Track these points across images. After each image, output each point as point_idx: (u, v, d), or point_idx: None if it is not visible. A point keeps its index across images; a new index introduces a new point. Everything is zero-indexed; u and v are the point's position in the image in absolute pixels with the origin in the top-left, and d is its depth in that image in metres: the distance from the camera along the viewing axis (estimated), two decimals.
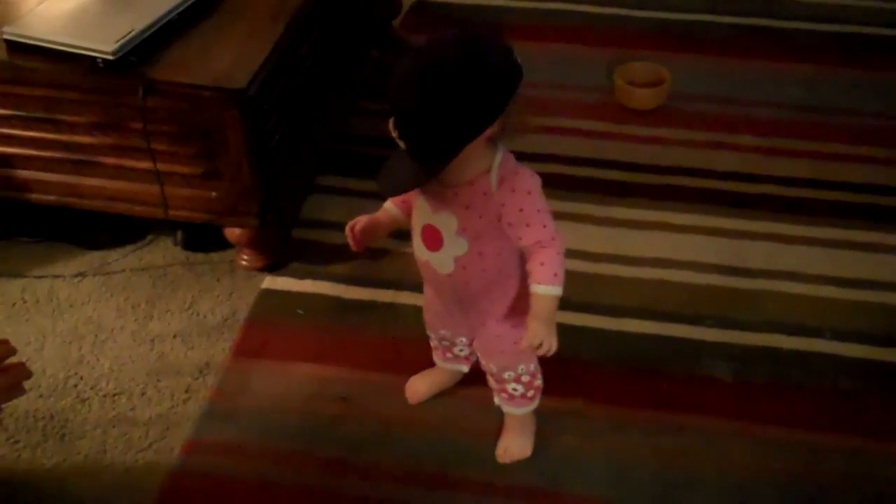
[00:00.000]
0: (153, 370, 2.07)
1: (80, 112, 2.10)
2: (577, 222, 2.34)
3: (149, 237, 2.39)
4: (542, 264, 1.55)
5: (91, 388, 2.03)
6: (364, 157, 2.53)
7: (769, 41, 3.00)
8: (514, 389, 1.81)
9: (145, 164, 2.14)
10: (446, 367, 1.97)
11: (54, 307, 2.22)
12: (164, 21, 2.11)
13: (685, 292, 2.20)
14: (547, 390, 1.85)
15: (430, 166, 1.45)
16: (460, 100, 1.38)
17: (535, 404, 1.86)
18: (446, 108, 1.38)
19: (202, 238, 2.34)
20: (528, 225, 1.53)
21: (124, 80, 2.01)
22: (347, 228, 1.68)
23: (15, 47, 2.09)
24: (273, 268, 2.28)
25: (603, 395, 1.98)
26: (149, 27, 2.07)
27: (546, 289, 1.56)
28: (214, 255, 2.34)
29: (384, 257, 2.30)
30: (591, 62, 2.87)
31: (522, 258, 1.61)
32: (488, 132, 1.44)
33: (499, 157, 1.52)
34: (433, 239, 1.60)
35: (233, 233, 2.21)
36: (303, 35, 2.26)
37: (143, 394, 2.02)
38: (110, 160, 2.17)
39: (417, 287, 1.97)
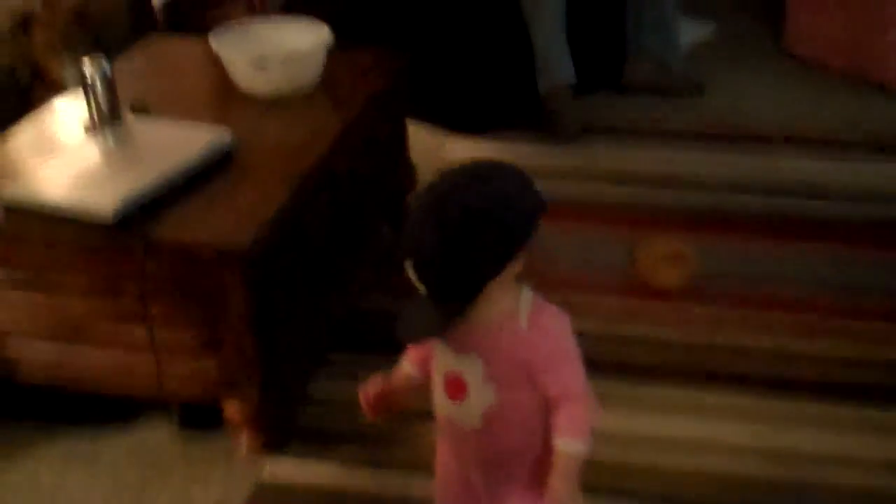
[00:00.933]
0: None
1: (74, 275, 2.00)
2: (605, 405, 2.15)
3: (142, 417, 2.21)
4: (569, 417, 1.42)
5: None
6: (376, 335, 2.37)
7: (795, 221, 2.89)
8: None
9: (141, 335, 2.00)
10: None
11: (35, 495, 2.04)
12: (169, 183, 2.01)
13: (723, 482, 2.01)
14: None
15: (454, 309, 1.35)
16: (481, 235, 1.31)
17: None
18: (466, 244, 1.30)
19: (201, 415, 2.16)
20: (557, 373, 1.41)
21: (123, 240, 1.91)
22: (361, 394, 1.55)
23: (13, 208, 2.00)
24: (273, 449, 2.09)
25: None
26: (152, 189, 1.98)
27: (572, 444, 1.41)
28: (212, 438, 2.14)
29: (393, 443, 2.12)
30: (611, 241, 2.76)
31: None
32: (510, 270, 1.36)
33: (526, 294, 1.42)
34: (456, 388, 1.45)
35: (232, 409, 2.04)
36: (312, 200, 2.18)
37: None
38: (105, 332, 2.03)
39: (431, 475, 1.79)
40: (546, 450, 1.45)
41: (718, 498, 1.96)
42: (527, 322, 1.40)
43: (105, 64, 2.24)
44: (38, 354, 2.09)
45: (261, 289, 1.95)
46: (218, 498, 1.99)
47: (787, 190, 3.04)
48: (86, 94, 2.24)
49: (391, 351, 1.37)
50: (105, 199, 1.94)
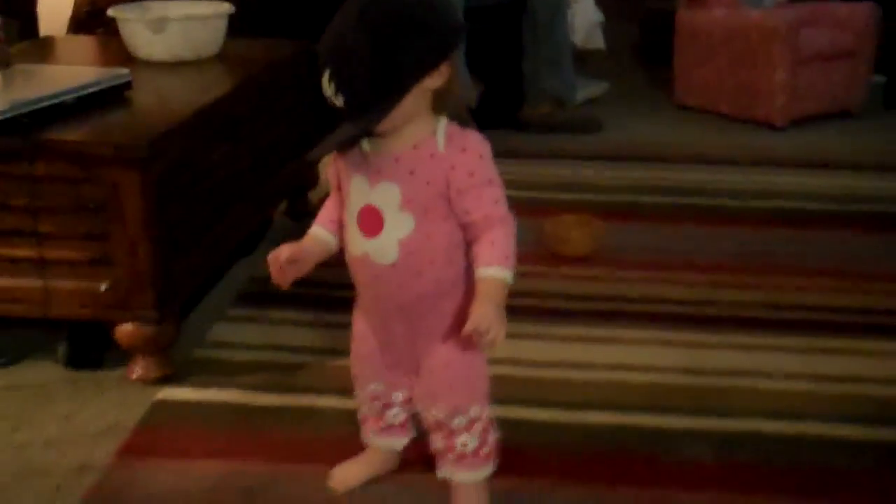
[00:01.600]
0: (18, 473, 1.68)
1: None
2: (517, 339, 2.09)
3: (23, 356, 2.05)
4: (491, 244, 1.35)
5: None
6: (278, 296, 2.27)
7: (698, 213, 2.96)
8: (465, 444, 1.50)
9: (28, 252, 1.88)
10: (379, 444, 1.65)
11: None
12: (62, 98, 1.94)
13: (646, 389, 1.96)
14: (504, 470, 1.55)
15: (370, 117, 1.29)
16: (402, 34, 1.27)
17: (489, 468, 1.54)
18: (388, 41, 1.26)
19: (89, 354, 2.02)
20: (478, 196, 1.35)
21: (10, 143, 1.81)
22: (270, 257, 1.46)
23: None
24: (169, 380, 1.95)
25: (571, 476, 1.67)
26: (45, 98, 1.90)
27: (496, 271, 1.34)
28: (102, 374, 2.00)
29: (300, 369, 2.01)
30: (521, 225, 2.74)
31: (470, 267, 1.39)
32: (431, 81, 1.31)
33: (444, 120, 1.37)
34: (372, 221, 1.38)
35: (124, 333, 1.91)
36: (209, 136, 2.13)
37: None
38: None
39: (341, 391, 1.80)
40: (468, 299, 1.37)
41: (647, 401, 1.90)
42: (445, 144, 1.35)
43: None
44: None
45: (157, 197, 1.86)
46: (110, 423, 1.83)
47: (677, 191, 3.16)
48: None
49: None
50: None
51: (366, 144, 1.37)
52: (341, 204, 1.45)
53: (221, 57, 2.50)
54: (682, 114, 4.17)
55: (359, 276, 1.44)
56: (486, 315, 1.30)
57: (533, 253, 2.56)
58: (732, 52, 3.99)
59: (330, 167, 1.45)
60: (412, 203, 1.36)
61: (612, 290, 2.39)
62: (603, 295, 2.36)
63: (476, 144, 1.36)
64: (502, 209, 1.36)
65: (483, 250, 1.35)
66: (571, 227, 2.61)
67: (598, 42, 4.34)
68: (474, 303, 1.32)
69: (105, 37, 2.98)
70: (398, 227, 1.37)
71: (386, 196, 1.36)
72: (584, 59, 4.33)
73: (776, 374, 2.00)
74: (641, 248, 2.66)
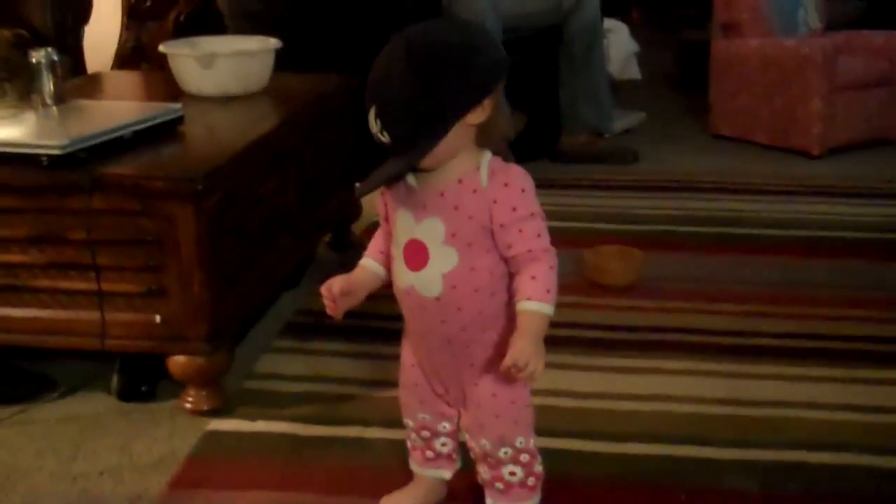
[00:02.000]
0: (73, 503, 1.73)
1: (15, 224, 1.93)
2: (558, 370, 2.12)
3: (77, 388, 2.10)
4: (532, 279, 1.38)
5: None
6: (325, 327, 2.31)
7: (737, 243, 2.98)
8: (512, 474, 1.53)
9: (84, 285, 1.94)
10: (426, 475, 1.67)
11: None
12: (118, 133, 2.00)
13: (688, 420, 1.97)
14: (549, 501, 1.58)
15: (414, 153, 1.33)
16: (446, 71, 1.30)
17: (535, 500, 1.57)
18: (431, 78, 1.30)
19: (140, 386, 2.06)
20: (520, 230, 1.38)
21: (70, 177, 1.87)
22: (324, 289, 1.50)
23: None
24: (220, 412, 1.99)
25: None
26: (102, 133, 1.97)
27: (537, 305, 1.37)
28: (154, 405, 2.04)
29: (347, 400, 2.05)
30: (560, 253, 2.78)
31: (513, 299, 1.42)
32: (474, 117, 1.35)
33: (488, 155, 1.41)
34: (417, 255, 1.42)
35: (177, 364, 1.95)
36: (259, 169, 2.18)
37: None
38: (45, 282, 1.96)
39: (388, 422, 1.83)
40: (512, 330, 1.40)
41: (690, 431, 1.91)
42: (488, 179, 1.39)
43: (52, 51, 2.26)
44: None
45: (211, 229, 1.91)
46: (162, 454, 1.87)
47: (715, 220, 3.19)
48: (35, 79, 2.24)
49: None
50: (55, 139, 1.91)
51: (411, 179, 1.40)
52: (389, 236, 1.49)
53: (269, 91, 2.56)
54: (719, 143, 4.19)
55: (405, 307, 1.48)
56: (523, 349, 1.33)
57: (573, 283, 2.58)
58: (768, 81, 4.01)
59: (379, 200, 1.49)
60: (456, 238, 1.39)
61: (653, 321, 2.41)
62: (643, 325, 2.38)
63: (518, 179, 1.39)
64: (544, 243, 1.39)
65: (524, 284, 1.38)
66: (611, 258, 2.64)
67: (634, 72, 4.38)
68: (513, 337, 1.35)
69: (150, 72, 3.05)
70: (442, 261, 1.40)
71: (431, 231, 1.40)
72: (620, 90, 4.37)
73: (819, 406, 2.00)
74: (681, 279, 2.68)
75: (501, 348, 1.42)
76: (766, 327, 2.37)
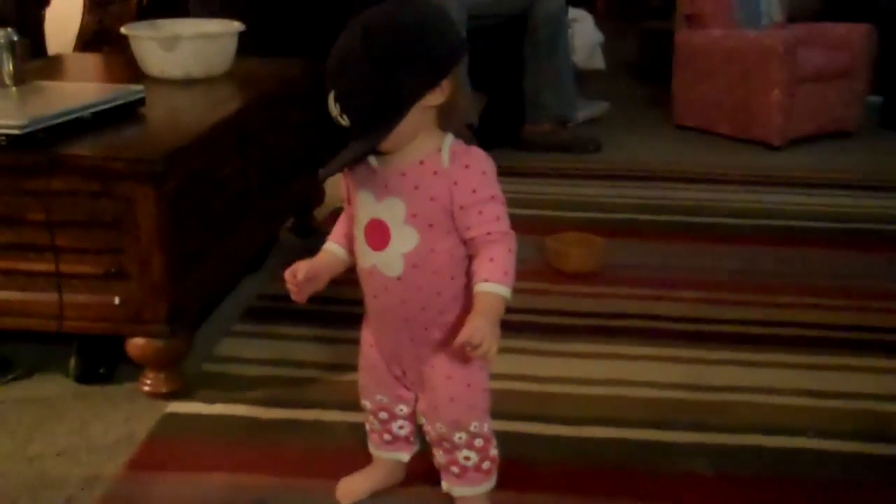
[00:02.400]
0: (30, 485, 1.71)
1: None
2: (519, 354, 2.13)
3: (35, 370, 2.08)
4: (491, 261, 1.39)
5: None
6: (286, 311, 2.31)
7: (698, 231, 3.01)
8: (467, 458, 1.54)
9: (42, 266, 1.92)
10: (384, 457, 1.68)
11: None
12: (78, 114, 1.98)
13: (647, 404, 1.99)
14: (505, 484, 1.60)
15: (375, 135, 1.34)
16: (404, 51, 1.31)
17: (490, 483, 1.58)
18: (390, 59, 1.30)
19: (98, 368, 2.05)
20: (480, 212, 1.39)
21: (28, 157, 1.85)
22: (287, 274, 1.50)
23: None
24: (179, 394, 1.98)
25: (572, 490, 1.70)
26: (62, 113, 1.95)
27: (494, 287, 1.38)
28: (112, 388, 2.03)
29: (307, 383, 2.05)
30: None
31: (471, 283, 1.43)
32: (433, 98, 1.36)
33: (449, 137, 1.41)
34: (378, 234, 1.43)
35: (136, 346, 1.94)
36: (222, 151, 2.17)
37: None
38: (2, 264, 1.94)
39: (347, 406, 1.84)
40: (468, 313, 1.40)
41: (647, 416, 1.93)
42: (449, 160, 1.39)
43: (11, 32, 2.23)
44: None
45: (171, 211, 1.90)
46: (120, 436, 1.86)
47: (676, 209, 3.22)
48: None
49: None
50: (13, 119, 1.89)
51: (373, 160, 1.41)
52: (352, 219, 1.49)
53: (231, 75, 2.55)
54: (681, 133, 4.23)
55: (367, 287, 1.49)
56: (478, 328, 1.33)
57: (534, 270, 2.60)
58: (730, 72, 4.05)
59: (342, 182, 1.49)
60: (417, 218, 1.40)
61: (613, 307, 2.43)
62: (603, 311, 2.40)
63: (479, 161, 1.40)
64: (504, 226, 1.40)
65: (482, 266, 1.39)
66: (572, 245, 2.65)
67: (599, 62, 4.40)
68: (469, 316, 1.36)
69: (112, 55, 3.03)
70: (403, 240, 1.41)
71: (392, 210, 1.41)
72: (584, 79, 4.39)
73: (777, 391, 2.03)
74: (641, 266, 2.70)
75: (459, 331, 1.42)
76: (725, 314, 2.40)
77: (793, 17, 4.41)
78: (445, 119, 1.40)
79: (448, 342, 1.46)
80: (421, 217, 1.40)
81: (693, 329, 2.31)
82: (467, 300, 1.44)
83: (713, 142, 4.10)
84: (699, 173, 3.61)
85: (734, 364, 2.15)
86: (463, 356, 1.43)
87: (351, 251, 1.52)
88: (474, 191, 1.38)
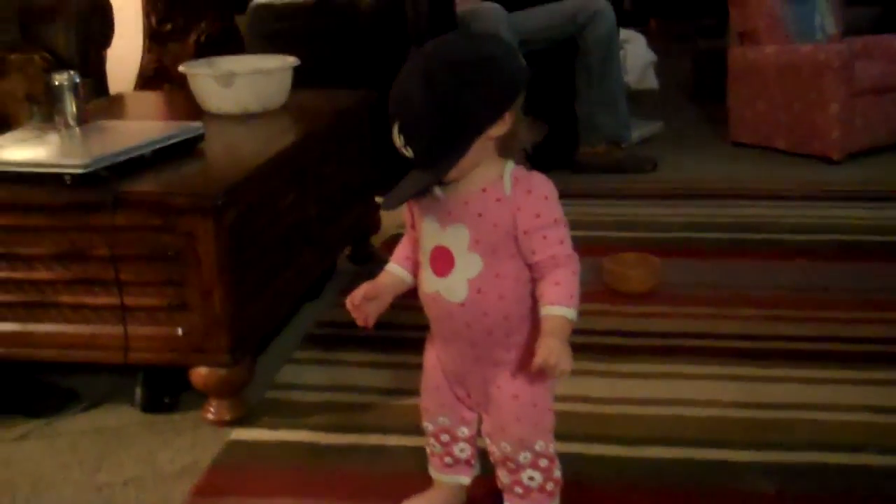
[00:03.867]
0: None
1: (39, 242, 1.97)
2: (578, 376, 2.12)
3: (101, 401, 2.14)
4: (556, 284, 1.41)
5: None
6: (345, 338, 2.35)
7: (756, 248, 2.99)
8: (531, 479, 1.54)
9: (108, 300, 1.98)
10: (445, 480, 1.69)
11: None
12: (140, 151, 2.04)
13: (707, 423, 1.98)
14: None
15: (438, 167, 1.37)
16: (467, 86, 1.33)
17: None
18: (453, 94, 1.32)
19: (164, 398, 2.10)
20: (544, 237, 1.41)
21: (92, 195, 1.91)
22: (348, 301, 1.52)
23: None
24: (242, 422, 2.02)
25: None
26: (124, 151, 2.01)
27: (561, 310, 1.40)
28: (177, 417, 2.08)
29: (367, 409, 2.07)
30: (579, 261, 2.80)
31: (537, 304, 1.45)
32: (495, 130, 1.37)
33: (511, 163, 1.43)
34: (443, 261, 1.45)
35: (199, 376, 1.99)
36: (279, 185, 2.22)
37: None
38: (69, 298, 2.00)
39: (407, 430, 1.87)
40: (534, 335, 1.43)
41: (707, 435, 1.92)
42: (511, 187, 1.41)
43: (74, 74, 2.31)
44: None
45: (231, 243, 1.94)
46: (185, 464, 1.90)
47: (734, 227, 3.19)
48: (58, 101, 2.29)
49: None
50: (77, 158, 1.95)
51: (437, 189, 1.43)
52: (415, 243, 1.51)
53: (288, 108, 2.60)
54: (737, 150, 4.20)
55: (431, 312, 1.51)
56: (552, 348, 1.35)
57: (592, 291, 2.60)
58: (786, 88, 4.02)
59: (405, 208, 1.51)
60: (481, 244, 1.42)
61: (672, 327, 2.42)
62: (662, 331, 2.40)
63: (541, 186, 1.42)
64: (568, 249, 1.42)
65: (548, 290, 1.41)
66: (630, 265, 2.65)
67: (651, 82, 4.40)
68: (540, 338, 1.38)
69: (171, 92, 3.11)
70: (468, 267, 1.43)
71: (456, 237, 1.43)
72: (637, 99, 4.39)
73: (837, 407, 2.01)
74: (699, 285, 2.69)
75: (525, 351, 1.46)
76: (784, 331, 2.37)
77: (847, 31, 4.36)
78: (506, 147, 1.42)
79: (514, 362, 1.49)
80: (485, 243, 1.42)
81: (752, 346, 2.29)
82: (534, 322, 1.46)
83: (770, 157, 4.06)
84: (757, 189, 3.58)
85: (794, 381, 2.13)
86: (530, 377, 1.45)
87: (412, 272, 1.55)
88: (538, 215, 1.40)
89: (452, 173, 1.38)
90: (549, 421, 1.53)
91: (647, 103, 4.59)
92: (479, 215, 1.41)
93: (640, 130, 4.23)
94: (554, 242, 1.41)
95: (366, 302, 1.52)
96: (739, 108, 4.24)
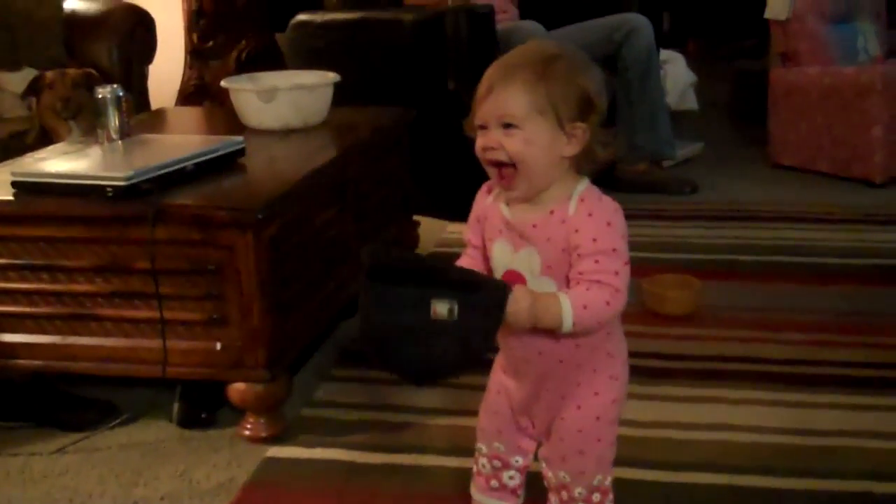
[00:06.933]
0: None
1: (80, 254, 1.98)
2: None
3: (139, 415, 2.13)
4: (583, 294, 1.32)
5: None
6: None
7: (798, 272, 2.95)
8: None
9: (147, 313, 1.98)
10: (485, 503, 1.65)
11: (26, 478, 1.93)
12: (181, 165, 2.04)
13: (750, 449, 1.94)
14: None
15: None
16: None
17: None
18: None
19: (201, 413, 2.09)
20: (597, 261, 1.32)
21: (133, 208, 1.91)
22: None
23: (22, 188, 2.01)
24: (279, 439, 2.01)
25: None
26: (165, 165, 2.01)
27: (566, 308, 1.30)
28: (214, 432, 2.07)
29: (405, 428, 2.05)
30: None
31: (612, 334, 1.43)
32: (568, 150, 1.34)
33: (583, 183, 1.37)
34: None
35: (236, 391, 1.98)
36: (320, 199, 2.22)
37: None
38: (109, 311, 2.00)
39: (446, 450, 1.87)
40: (608, 365, 1.42)
41: (751, 462, 1.89)
42: (575, 207, 1.35)
43: (117, 88, 2.32)
44: (39, 339, 2.03)
45: (270, 258, 1.94)
46: (221, 480, 1.89)
47: (775, 249, 3.15)
48: (101, 114, 2.31)
49: None
50: (118, 171, 1.96)
51: (506, 211, 1.39)
52: (474, 262, 1.46)
53: (328, 124, 2.60)
54: (778, 173, 4.15)
55: (501, 337, 1.44)
56: (522, 294, 1.29)
57: (630, 312, 2.50)
58: (828, 110, 3.97)
59: (471, 228, 1.47)
60: (552, 269, 1.36)
61: (712, 350, 2.38)
62: (702, 354, 2.36)
63: (605, 212, 1.34)
64: (618, 282, 1.33)
65: (573, 290, 1.32)
66: (669, 287, 2.62)
67: (691, 103, 4.36)
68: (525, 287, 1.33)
69: (213, 108, 3.12)
70: (540, 290, 1.36)
71: (528, 262, 1.38)
72: (677, 121, 4.34)
73: (886, 435, 1.97)
74: (741, 308, 2.65)
75: (595, 384, 1.43)
76: (829, 356, 2.33)
77: (892, 53, 4.31)
78: (581, 165, 1.37)
79: (582, 395, 1.44)
80: (556, 268, 1.36)
81: (795, 371, 2.25)
82: (608, 353, 1.43)
83: (812, 180, 4.01)
84: (798, 212, 3.53)
85: (839, 407, 2.08)
86: (596, 410, 1.43)
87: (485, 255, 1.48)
88: (595, 240, 1.32)
89: (523, 192, 1.34)
90: (611, 455, 1.48)
91: (686, 125, 4.55)
92: (548, 240, 1.35)
93: (680, 151, 4.19)
94: (606, 269, 1.32)
95: None
96: (781, 130, 4.19)
